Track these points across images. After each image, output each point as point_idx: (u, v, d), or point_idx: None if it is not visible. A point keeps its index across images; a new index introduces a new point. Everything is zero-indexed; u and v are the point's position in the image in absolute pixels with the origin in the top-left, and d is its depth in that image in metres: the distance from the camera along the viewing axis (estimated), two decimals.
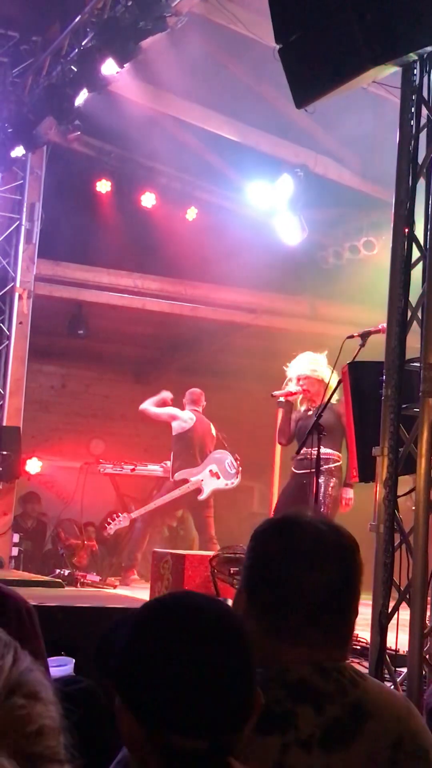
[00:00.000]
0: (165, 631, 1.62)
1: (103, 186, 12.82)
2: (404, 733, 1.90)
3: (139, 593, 9.18)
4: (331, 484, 8.06)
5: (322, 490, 7.81)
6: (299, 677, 1.85)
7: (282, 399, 8.38)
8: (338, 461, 8.10)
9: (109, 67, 8.71)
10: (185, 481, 10.65)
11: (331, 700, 1.85)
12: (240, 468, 10.80)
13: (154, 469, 11.55)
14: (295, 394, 8.34)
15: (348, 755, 1.82)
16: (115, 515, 10.84)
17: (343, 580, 1.93)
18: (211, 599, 1.73)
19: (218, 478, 10.74)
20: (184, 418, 10.82)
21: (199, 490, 10.65)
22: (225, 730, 1.57)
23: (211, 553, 8.26)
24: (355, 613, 1.97)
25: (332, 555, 1.93)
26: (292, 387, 8.32)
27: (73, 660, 4.40)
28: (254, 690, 1.62)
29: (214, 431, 11.01)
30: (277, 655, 1.88)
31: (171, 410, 10.93)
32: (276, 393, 8.36)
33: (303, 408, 8.38)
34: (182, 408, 10.97)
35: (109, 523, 10.83)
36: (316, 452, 7.27)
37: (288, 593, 1.89)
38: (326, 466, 7.87)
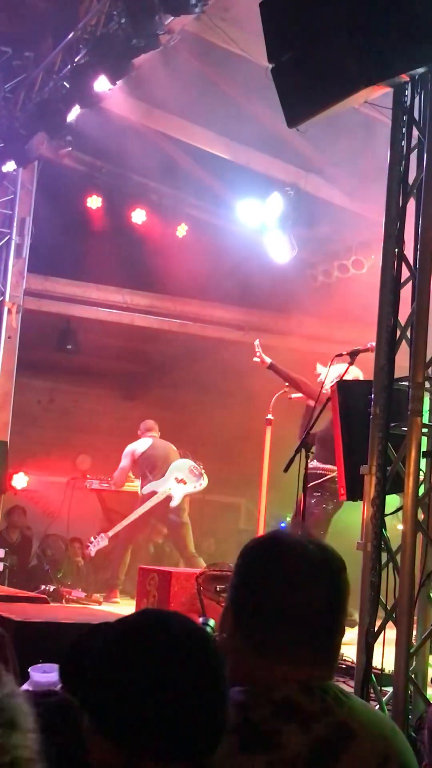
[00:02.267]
0: (141, 655, 1.60)
1: (94, 202, 12.84)
2: (390, 753, 1.90)
3: (124, 610, 9.14)
4: (325, 499, 8.04)
5: (314, 504, 7.77)
6: (285, 696, 1.85)
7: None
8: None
9: (101, 84, 8.74)
10: (153, 493, 10.71)
11: (317, 719, 1.85)
12: (203, 470, 10.87)
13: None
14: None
15: None
16: (93, 537, 10.85)
17: (329, 599, 1.93)
18: (185, 620, 1.72)
19: (185, 483, 10.82)
20: (140, 446, 10.98)
21: (169, 498, 10.69)
22: (203, 752, 1.58)
23: (197, 570, 8.23)
24: (342, 632, 1.98)
25: (319, 574, 1.93)
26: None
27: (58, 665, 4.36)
28: (227, 710, 1.63)
29: (174, 448, 11.12)
30: (264, 673, 1.88)
31: (126, 456, 11.07)
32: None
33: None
34: (138, 438, 11.13)
35: (87, 547, 10.86)
36: (319, 465, 7.24)
37: (274, 612, 1.90)
38: (322, 480, 7.88)
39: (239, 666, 1.90)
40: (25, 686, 4.25)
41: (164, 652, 1.60)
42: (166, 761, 1.56)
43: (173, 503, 10.70)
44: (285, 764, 1.79)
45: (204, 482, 10.95)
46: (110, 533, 10.72)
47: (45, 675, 4.30)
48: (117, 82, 8.74)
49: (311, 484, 7.66)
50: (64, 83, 9.51)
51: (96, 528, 12.21)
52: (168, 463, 10.96)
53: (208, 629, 5.44)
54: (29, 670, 4.33)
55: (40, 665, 4.37)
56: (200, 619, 6.47)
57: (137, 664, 1.59)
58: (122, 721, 1.56)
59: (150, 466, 10.91)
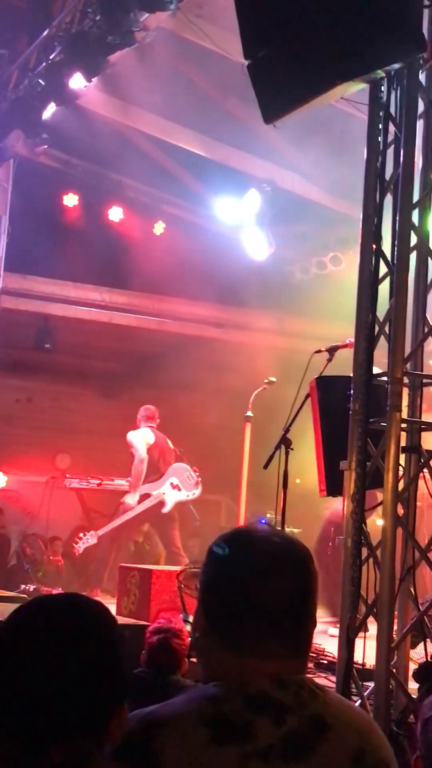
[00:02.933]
0: (18, 633, 1.70)
1: (71, 200, 12.81)
2: (365, 746, 1.90)
3: None
4: None
5: None
6: (258, 689, 1.86)
7: None
8: None
9: (76, 81, 8.72)
10: (147, 495, 10.62)
11: (291, 712, 1.85)
12: (199, 479, 10.80)
13: (121, 483, 11.49)
14: None
15: (307, 766, 1.82)
16: (82, 534, 10.77)
17: (297, 590, 1.93)
18: (83, 602, 1.81)
19: (179, 490, 10.73)
20: (148, 437, 10.76)
21: (162, 504, 10.62)
22: (71, 735, 1.65)
23: (177, 568, 8.23)
24: (314, 623, 1.98)
25: (285, 566, 1.93)
26: None
27: None
28: (110, 699, 1.71)
29: (170, 444, 10.97)
30: (237, 668, 1.88)
31: (137, 453, 10.77)
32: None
33: None
34: (137, 425, 10.89)
35: (76, 542, 10.76)
36: None
37: (244, 606, 1.90)
38: None
39: (214, 663, 1.91)
40: None
41: (40, 639, 1.69)
42: (65, 743, 1.64)
43: (165, 509, 10.63)
44: (258, 756, 1.79)
45: (197, 492, 10.83)
46: (100, 532, 10.65)
47: None
48: (92, 80, 8.73)
49: None
50: (40, 81, 9.48)
51: (76, 527, 12.19)
52: (163, 461, 10.81)
53: (188, 626, 5.45)
54: None
55: None
56: (181, 616, 6.48)
57: (17, 654, 1.67)
58: (15, 711, 1.64)
59: (147, 464, 10.75)
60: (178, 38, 9.29)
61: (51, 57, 9.22)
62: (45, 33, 9.33)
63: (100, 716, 1.69)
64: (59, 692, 1.65)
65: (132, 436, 10.67)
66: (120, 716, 1.73)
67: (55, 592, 10.28)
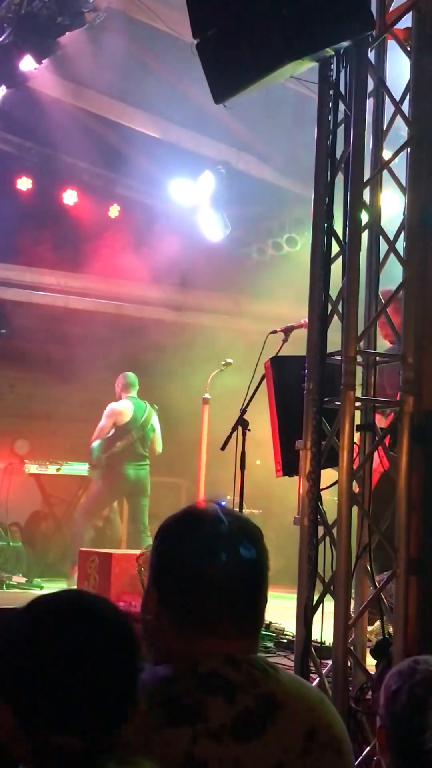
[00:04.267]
0: (49, 631, 1.64)
1: (24, 183, 12.71)
2: (316, 724, 1.91)
3: None
4: None
5: None
6: (210, 669, 1.85)
7: None
8: None
9: (27, 64, 8.64)
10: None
11: (243, 691, 1.85)
12: None
13: (80, 468, 11.45)
14: None
15: (259, 745, 1.82)
16: None
17: (248, 569, 1.94)
18: (100, 599, 1.75)
19: None
20: (125, 410, 10.61)
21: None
22: (102, 731, 1.61)
23: (137, 552, 8.23)
24: (265, 601, 1.98)
25: (234, 544, 1.93)
26: None
27: None
28: (135, 692, 1.67)
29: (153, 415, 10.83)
30: (189, 648, 1.88)
31: (109, 417, 10.61)
32: None
33: None
34: (118, 396, 10.78)
35: None
36: None
37: (194, 586, 1.90)
38: None
39: (165, 645, 1.91)
40: None
41: (80, 632, 1.64)
42: (70, 735, 1.59)
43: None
44: (210, 736, 1.79)
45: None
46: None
47: None
48: (43, 62, 8.66)
49: None
50: None
51: (34, 512, 12.15)
52: (141, 441, 10.65)
53: None
54: None
55: None
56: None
57: (54, 644, 1.62)
58: (35, 698, 1.60)
59: (122, 435, 10.63)
60: (129, 19, 9.24)
61: (0, 39, 9.11)
62: None
63: (122, 712, 1.66)
64: (89, 686, 1.62)
65: (109, 407, 10.58)
66: (136, 715, 1.70)
67: (15, 578, 10.26)
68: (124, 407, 10.58)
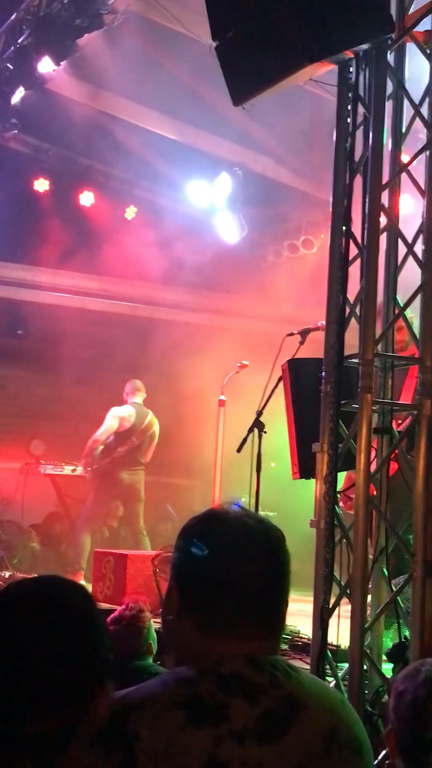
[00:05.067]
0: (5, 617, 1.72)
1: (41, 185, 12.75)
2: (338, 725, 1.91)
3: None
4: None
5: None
6: (232, 670, 1.86)
7: None
8: None
9: (45, 65, 8.67)
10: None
11: (265, 692, 1.86)
12: None
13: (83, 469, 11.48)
14: None
15: (281, 746, 1.83)
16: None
17: (271, 571, 1.94)
18: (59, 582, 1.84)
19: None
20: (126, 415, 10.69)
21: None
22: (49, 714, 1.67)
23: (153, 552, 8.24)
24: (286, 603, 1.99)
25: (259, 547, 1.94)
26: None
27: None
28: (90, 679, 1.74)
29: (154, 425, 10.92)
30: (211, 649, 1.89)
31: (113, 419, 10.68)
32: None
33: None
34: (124, 401, 10.84)
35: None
36: None
37: (217, 587, 1.91)
38: None
39: (187, 645, 1.91)
40: None
41: (19, 616, 1.73)
42: (40, 717, 1.66)
43: None
44: (233, 737, 1.80)
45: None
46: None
47: None
48: (61, 63, 8.69)
49: None
50: (8, 65, 9.42)
51: (50, 513, 12.17)
52: (139, 450, 10.74)
53: None
54: None
55: None
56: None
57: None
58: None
59: (123, 440, 10.69)
60: (147, 21, 9.25)
61: (19, 41, 9.16)
62: (13, 17, 9.26)
63: (77, 693, 1.71)
64: (35, 667, 1.68)
65: (111, 412, 10.65)
66: (102, 697, 1.74)
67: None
68: (128, 412, 10.63)
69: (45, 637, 1.70)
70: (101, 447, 10.54)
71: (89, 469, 10.67)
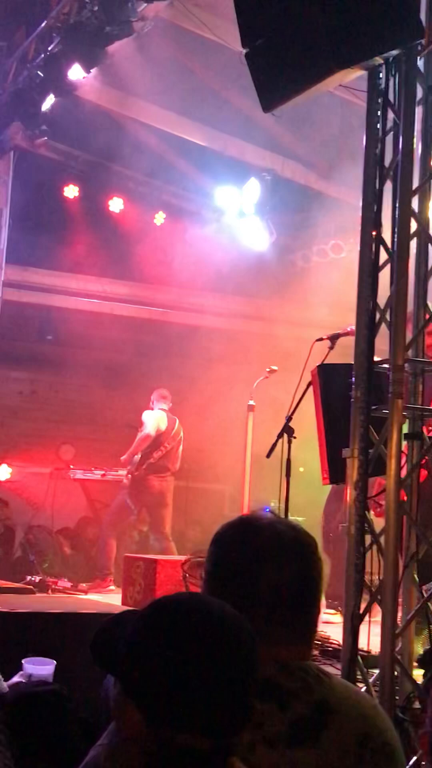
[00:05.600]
0: (178, 631, 1.66)
1: (71, 191, 12.81)
2: (370, 730, 1.92)
3: (110, 598, 9.16)
4: None
5: None
6: (264, 676, 1.87)
7: None
8: None
9: (75, 72, 8.71)
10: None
11: (297, 698, 1.87)
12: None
13: (125, 473, 11.52)
14: None
15: (314, 751, 1.83)
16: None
17: (302, 577, 1.95)
18: (220, 603, 1.76)
19: None
20: (161, 421, 10.77)
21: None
22: (228, 732, 1.64)
23: (182, 558, 8.25)
24: (318, 609, 2.00)
25: (290, 553, 1.95)
26: None
27: (54, 662, 4.39)
28: (254, 693, 1.68)
29: (180, 432, 10.99)
30: None
31: (145, 428, 10.73)
32: None
33: None
34: (150, 407, 10.92)
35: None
36: None
37: (249, 593, 1.92)
38: None
39: None
40: (17, 677, 4.27)
41: (209, 634, 1.66)
42: (194, 735, 1.62)
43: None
44: (265, 743, 1.81)
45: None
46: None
47: (38, 667, 4.33)
48: (91, 71, 8.72)
49: None
50: (38, 72, 9.47)
51: (80, 518, 12.21)
52: (169, 457, 10.81)
53: None
54: (23, 662, 4.35)
55: (33, 658, 4.39)
56: None
57: (182, 644, 1.65)
58: (163, 699, 1.62)
59: (157, 445, 10.77)
60: (177, 28, 9.28)
61: (49, 48, 9.21)
62: (43, 24, 9.31)
63: (247, 713, 1.68)
64: (220, 688, 1.64)
65: (146, 414, 10.73)
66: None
67: (60, 583, 10.33)
68: (161, 417, 10.70)
69: (231, 655, 1.66)
70: (139, 454, 10.61)
71: (130, 476, 10.71)
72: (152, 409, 10.87)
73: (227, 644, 1.66)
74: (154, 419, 10.67)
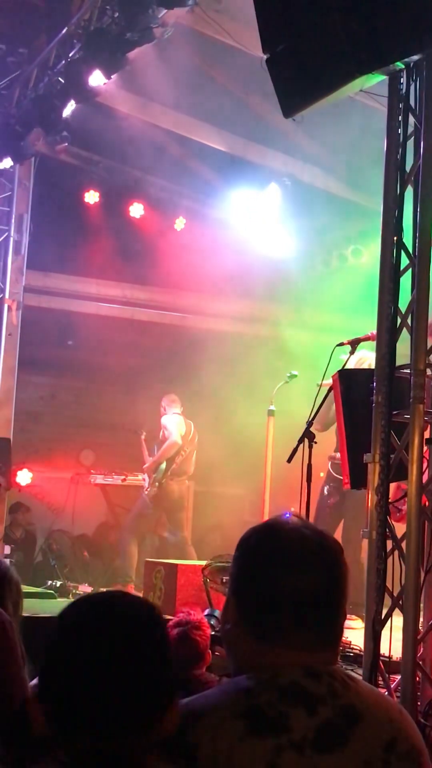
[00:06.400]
0: (75, 635, 1.73)
1: (92, 197, 12.85)
2: (397, 735, 1.92)
3: None
4: None
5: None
6: (291, 680, 1.87)
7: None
8: None
9: (96, 79, 8.73)
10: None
11: (324, 703, 1.87)
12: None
13: (145, 479, 11.54)
14: None
15: (341, 757, 1.84)
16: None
17: (328, 582, 1.96)
18: (134, 599, 1.84)
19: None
20: (182, 425, 10.86)
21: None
22: (129, 732, 1.68)
23: (203, 563, 8.25)
24: (344, 614, 2.00)
25: (316, 558, 1.95)
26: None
27: None
28: (165, 695, 1.74)
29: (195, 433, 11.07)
30: (269, 659, 1.90)
31: (171, 436, 10.79)
32: None
33: None
34: (163, 413, 10.99)
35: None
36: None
37: (275, 598, 1.92)
38: None
39: (245, 655, 1.93)
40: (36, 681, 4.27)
41: (105, 635, 1.72)
42: (97, 737, 1.66)
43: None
44: (292, 747, 1.81)
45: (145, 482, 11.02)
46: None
47: None
48: (112, 77, 8.74)
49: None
50: (59, 78, 9.51)
51: (101, 523, 12.24)
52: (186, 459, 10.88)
53: (213, 620, 5.47)
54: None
55: None
56: (206, 611, 6.49)
57: (81, 648, 1.71)
58: (60, 700, 1.69)
59: (178, 452, 10.83)
60: (197, 34, 9.29)
61: (70, 55, 9.24)
62: (64, 31, 9.35)
63: (155, 711, 1.72)
64: (115, 689, 1.68)
65: (167, 419, 10.75)
66: (172, 712, 1.77)
67: (81, 588, 10.35)
68: (180, 421, 10.74)
69: (124, 657, 1.70)
70: (165, 463, 10.68)
71: (157, 484, 10.75)
72: (165, 414, 10.89)
73: (125, 646, 1.71)
74: (176, 425, 10.71)
